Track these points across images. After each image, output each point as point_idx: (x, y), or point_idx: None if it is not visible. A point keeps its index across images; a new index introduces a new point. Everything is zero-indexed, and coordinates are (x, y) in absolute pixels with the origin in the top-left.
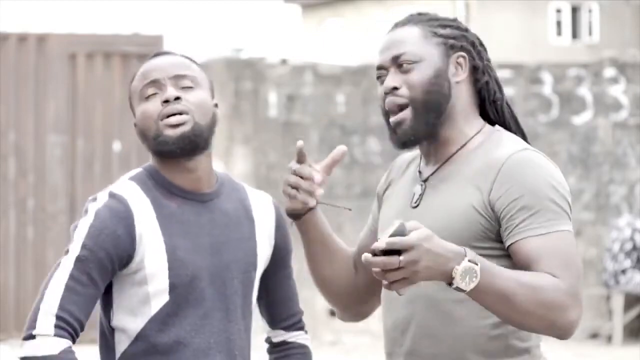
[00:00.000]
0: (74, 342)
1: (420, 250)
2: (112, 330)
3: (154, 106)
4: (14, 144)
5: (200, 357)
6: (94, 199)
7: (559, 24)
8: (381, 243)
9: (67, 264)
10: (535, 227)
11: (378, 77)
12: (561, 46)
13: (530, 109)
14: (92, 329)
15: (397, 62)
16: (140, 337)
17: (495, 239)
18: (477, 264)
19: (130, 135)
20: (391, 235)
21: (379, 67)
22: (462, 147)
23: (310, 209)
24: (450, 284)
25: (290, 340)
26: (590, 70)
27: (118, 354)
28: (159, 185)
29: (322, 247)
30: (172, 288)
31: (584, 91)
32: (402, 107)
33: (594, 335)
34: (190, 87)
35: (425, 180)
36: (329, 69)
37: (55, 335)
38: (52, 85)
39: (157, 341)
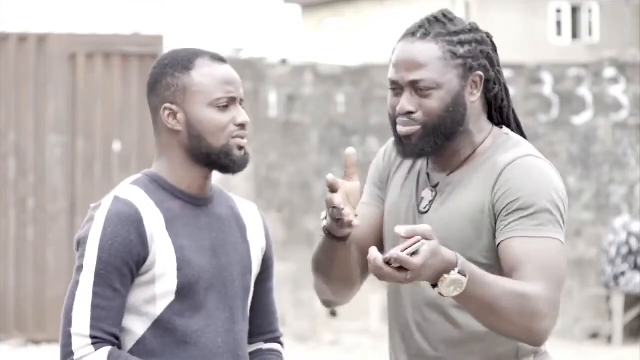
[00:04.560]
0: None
1: (424, 269)
2: None
3: (226, 121)
4: (14, 144)
5: (210, 357)
6: (98, 206)
7: (559, 24)
8: (395, 257)
9: (87, 281)
10: (524, 229)
11: (392, 89)
12: (561, 46)
13: (530, 109)
14: None
15: (415, 87)
16: (146, 337)
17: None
18: (465, 276)
19: (130, 135)
20: (407, 252)
21: (394, 82)
22: (472, 153)
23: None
24: (434, 286)
25: (265, 348)
26: (590, 70)
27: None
28: (162, 188)
29: (347, 256)
30: (180, 288)
31: (584, 91)
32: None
33: (594, 335)
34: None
35: (435, 186)
36: (329, 69)
37: (96, 350)
38: (52, 85)
39: (164, 341)
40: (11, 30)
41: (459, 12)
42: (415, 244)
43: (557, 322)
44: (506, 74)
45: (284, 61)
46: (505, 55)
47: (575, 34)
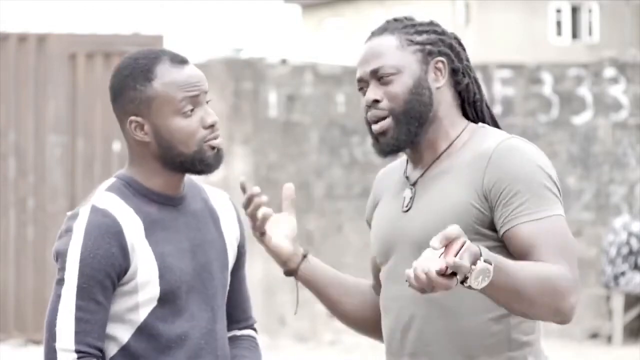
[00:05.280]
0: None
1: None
2: None
3: (195, 126)
4: (14, 144)
5: (194, 359)
6: (75, 216)
7: (559, 24)
8: (452, 263)
9: (69, 295)
10: (529, 213)
11: (360, 89)
12: (561, 46)
13: (530, 109)
14: None
15: (377, 76)
16: (130, 343)
17: (487, 230)
18: (491, 264)
19: None
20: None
21: (359, 80)
22: (448, 146)
23: (301, 263)
24: (462, 282)
25: (239, 334)
26: (590, 70)
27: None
28: (137, 193)
29: (331, 288)
30: (162, 295)
31: (584, 91)
32: (383, 118)
33: (594, 335)
34: (208, 102)
35: (414, 184)
36: (329, 69)
37: None
38: (52, 85)
39: (148, 346)
40: (11, 30)
41: (459, 12)
42: (462, 246)
43: (580, 296)
44: (506, 74)
45: (284, 61)
46: (505, 55)
47: (575, 34)
